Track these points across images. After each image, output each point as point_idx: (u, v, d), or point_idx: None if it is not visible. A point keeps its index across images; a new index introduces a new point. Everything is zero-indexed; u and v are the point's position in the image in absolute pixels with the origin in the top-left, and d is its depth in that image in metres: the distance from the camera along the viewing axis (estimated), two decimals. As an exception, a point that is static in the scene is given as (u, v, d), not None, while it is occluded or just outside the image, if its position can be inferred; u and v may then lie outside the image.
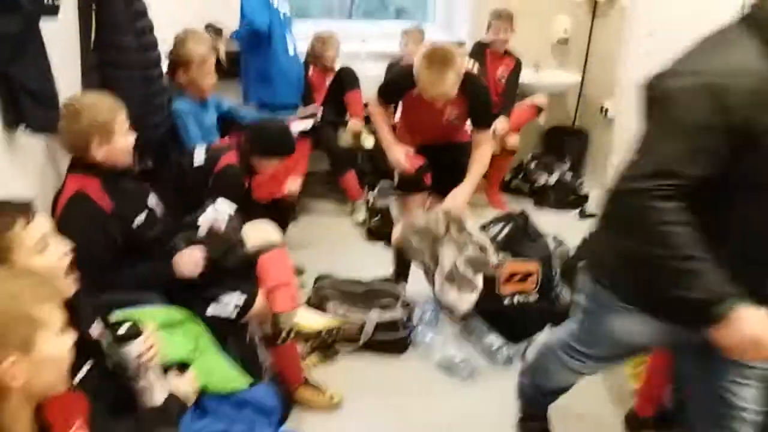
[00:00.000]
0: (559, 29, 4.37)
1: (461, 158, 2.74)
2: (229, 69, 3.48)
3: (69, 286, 1.31)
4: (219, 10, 3.70)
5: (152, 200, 2.00)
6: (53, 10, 1.55)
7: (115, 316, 1.56)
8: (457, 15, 4.51)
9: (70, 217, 1.71)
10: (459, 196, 2.57)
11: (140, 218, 1.89)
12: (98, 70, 2.14)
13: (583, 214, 4.00)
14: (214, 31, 3.71)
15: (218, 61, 2.91)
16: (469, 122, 2.74)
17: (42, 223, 1.26)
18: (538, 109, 4.00)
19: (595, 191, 4.23)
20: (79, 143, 1.79)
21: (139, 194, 1.97)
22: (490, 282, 2.68)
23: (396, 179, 2.88)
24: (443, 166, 2.81)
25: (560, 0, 4.31)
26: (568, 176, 4.22)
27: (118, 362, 1.38)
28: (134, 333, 1.38)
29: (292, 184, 3.18)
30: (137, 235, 1.87)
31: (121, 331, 1.38)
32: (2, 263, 1.16)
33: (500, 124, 3.76)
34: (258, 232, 2.21)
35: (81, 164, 1.81)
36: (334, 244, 3.51)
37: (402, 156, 2.69)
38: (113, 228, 1.79)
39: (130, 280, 1.78)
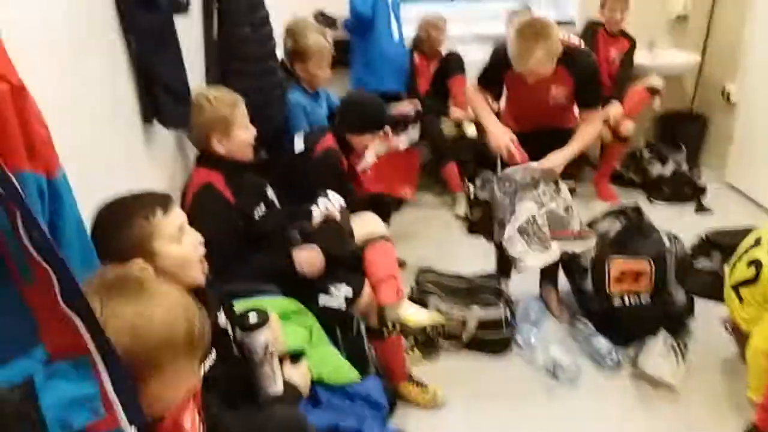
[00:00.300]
0: (678, 5, 4.08)
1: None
2: (339, 58, 3.51)
3: (201, 275, 1.36)
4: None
5: (270, 192, 2.06)
6: (185, 7, 1.61)
7: (236, 305, 1.62)
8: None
9: (199, 208, 1.78)
10: (554, 159, 2.41)
11: (260, 210, 1.96)
12: (219, 63, 2.21)
13: (701, 209, 3.74)
14: (325, 19, 3.76)
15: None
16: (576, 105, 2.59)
17: (179, 214, 1.32)
18: (653, 92, 3.76)
19: (714, 184, 3.96)
20: (201, 136, 1.87)
21: (259, 187, 2.04)
22: (599, 281, 2.58)
23: (499, 167, 2.67)
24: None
25: (680, -26, 4.01)
26: (685, 167, 3.95)
27: (246, 350, 1.43)
28: (263, 321, 1.43)
29: (407, 193, 3.16)
30: (258, 226, 1.94)
31: (252, 319, 1.43)
32: (143, 250, 1.22)
33: (613, 110, 3.58)
34: (363, 224, 2.24)
35: (206, 158, 1.89)
36: (435, 237, 3.49)
37: (505, 141, 2.46)
38: (237, 219, 1.87)
39: (253, 272, 1.85)
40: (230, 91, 1.94)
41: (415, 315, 2.38)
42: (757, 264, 2.11)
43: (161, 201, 1.28)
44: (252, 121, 1.98)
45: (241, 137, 1.90)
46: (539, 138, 2.57)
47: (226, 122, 1.85)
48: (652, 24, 4.08)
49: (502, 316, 2.52)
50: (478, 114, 2.61)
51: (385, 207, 2.95)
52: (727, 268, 2.35)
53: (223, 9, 2.21)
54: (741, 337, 2.40)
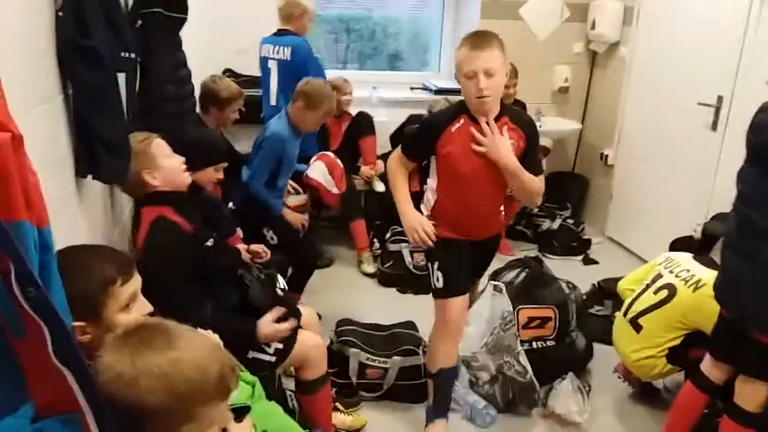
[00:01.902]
0: (560, 78, 4.55)
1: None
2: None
3: None
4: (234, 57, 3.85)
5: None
6: (130, 63, 1.62)
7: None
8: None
9: (156, 240, 1.78)
10: (507, 155, 2.15)
11: (210, 241, 1.99)
12: (140, 118, 2.20)
13: (587, 260, 4.10)
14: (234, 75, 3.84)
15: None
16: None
17: (136, 282, 1.29)
18: (545, 151, 4.11)
19: (597, 237, 4.36)
20: (135, 179, 1.85)
21: (209, 220, 2.09)
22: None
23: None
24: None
25: (561, 51, 4.49)
26: (571, 222, 4.34)
27: None
28: None
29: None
30: (208, 255, 1.95)
31: None
32: (92, 315, 1.18)
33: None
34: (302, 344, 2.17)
35: (149, 197, 1.88)
36: (348, 290, 3.56)
37: (416, 226, 2.23)
38: (193, 245, 1.88)
39: (213, 324, 1.83)
40: (140, 132, 1.95)
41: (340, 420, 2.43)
42: (669, 287, 2.38)
43: (123, 267, 1.26)
44: None
45: (168, 164, 1.90)
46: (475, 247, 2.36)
47: (147, 155, 1.85)
48: (539, 95, 4.51)
49: (422, 363, 2.60)
50: (394, 191, 2.33)
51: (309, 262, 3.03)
52: (620, 310, 2.60)
53: (147, 65, 2.21)
54: (633, 379, 2.66)
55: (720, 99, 3.34)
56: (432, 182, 2.32)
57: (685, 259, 2.46)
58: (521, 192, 2.29)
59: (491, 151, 2.13)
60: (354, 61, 4.91)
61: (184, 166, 1.95)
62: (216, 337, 1.43)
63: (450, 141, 2.18)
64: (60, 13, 1.37)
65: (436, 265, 2.31)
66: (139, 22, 2.21)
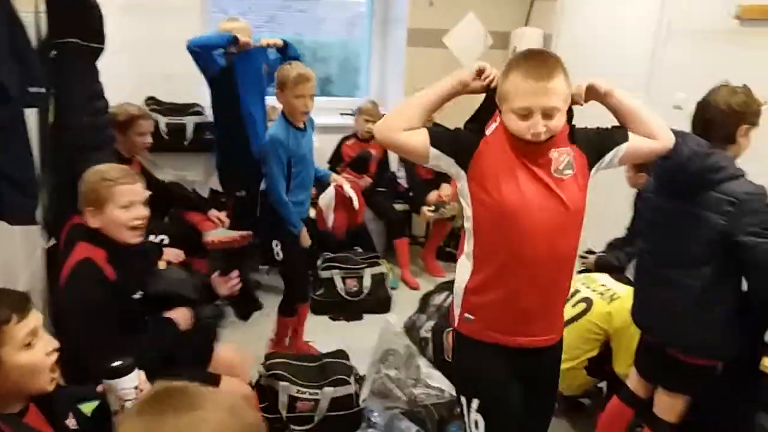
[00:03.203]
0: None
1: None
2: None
3: (50, 384, 1.29)
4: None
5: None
6: (40, 99, 1.57)
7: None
8: (389, 89, 4.75)
9: (76, 281, 1.73)
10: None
11: (138, 294, 1.93)
12: (56, 152, 2.13)
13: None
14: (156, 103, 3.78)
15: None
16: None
17: (34, 318, 1.25)
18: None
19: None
20: (81, 207, 1.81)
21: (142, 273, 1.99)
22: (438, 350, 2.79)
23: None
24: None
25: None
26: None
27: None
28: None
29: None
30: (134, 306, 1.90)
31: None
32: None
33: (445, 190, 3.99)
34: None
35: (90, 233, 1.81)
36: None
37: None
38: (114, 295, 1.80)
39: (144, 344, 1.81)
40: (123, 168, 1.89)
41: None
42: (586, 300, 2.48)
43: (16, 304, 1.22)
44: None
45: (115, 215, 1.80)
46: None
47: (99, 195, 1.79)
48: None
49: (353, 392, 2.59)
50: (414, 100, 1.59)
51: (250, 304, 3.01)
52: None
53: (60, 98, 2.15)
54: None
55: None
56: (467, 246, 1.61)
57: (603, 276, 2.58)
58: (657, 130, 1.64)
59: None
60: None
61: (137, 222, 1.84)
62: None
63: (486, 152, 1.54)
64: (-39, 49, 1.32)
65: (475, 404, 1.58)
66: (53, 52, 2.15)
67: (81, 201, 1.80)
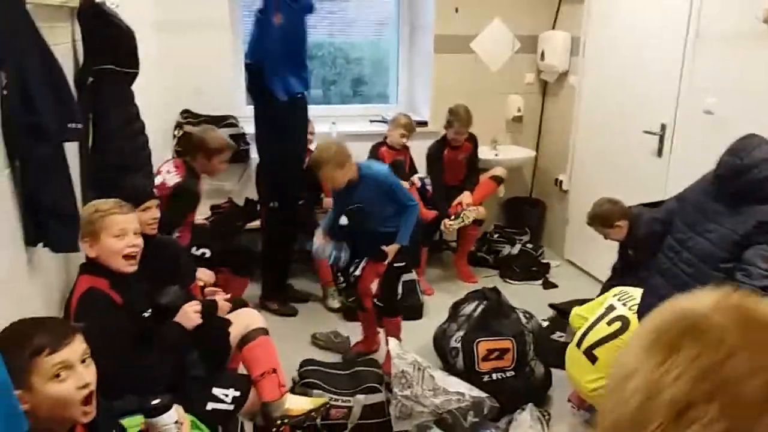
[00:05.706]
0: (513, 108, 4.68)
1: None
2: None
3: (83, 416, 1.31)
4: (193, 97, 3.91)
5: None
6: (77, 134, 1.65)
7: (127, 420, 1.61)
8: (418, 97, 4.78)
9: (85, 310, 1.77)
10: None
11: (147, 312, 2.00)
12: (96, 175, 2.22)
13: (547, 284, 4.20)
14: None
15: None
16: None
17: (70, 351, 1.28)
18: (498, 181, 4.21)
19: (556, 260, 4.47)
20: (80, 238, 1.85)
21: (145, 295, 2.06)
22: (469, 360, 2.81)
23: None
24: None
25: (514, 81, 4.63)
26: (530, 247, 4.44)
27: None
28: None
29: None
30: (147, 323, 1.97)
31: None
32: (21, 385, 1.18)
33: (465, 198, 3.98)
34: (240, 320, 2.29)
35: (90, 265, 1.89)
36: (315, 326, 3.54)
37: None
38: (126, 318, 1.88)
39: (144, 374, 1.85)
40: (116, 201, 1.95)
41: (298, 403, 2.42)
42: (622, 319, 2.46)
43: (54, 336, 1.26)
44: None
45: (108, 244, 1.87)
46: None
47: (93, 226, 1.86)
48: (494, 124, 4.62)
49: (385, 400, 2.64)
50: None
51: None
52: (574, 339, 2.68)
53: (99, 122, 2.24)
54: (587, 407, 2.74)
55: (663, 127, 3.49)
56: None
57: (638, 291, 2.55)
58: None
59: None
60: (317, 87, 4.92)
61: (129, 250, 1.91)
62: None
63: None
64: (4, 92, 1.41)
65: None
66: (90, 79, 2.25)
67: (80, 234, 1.85)
